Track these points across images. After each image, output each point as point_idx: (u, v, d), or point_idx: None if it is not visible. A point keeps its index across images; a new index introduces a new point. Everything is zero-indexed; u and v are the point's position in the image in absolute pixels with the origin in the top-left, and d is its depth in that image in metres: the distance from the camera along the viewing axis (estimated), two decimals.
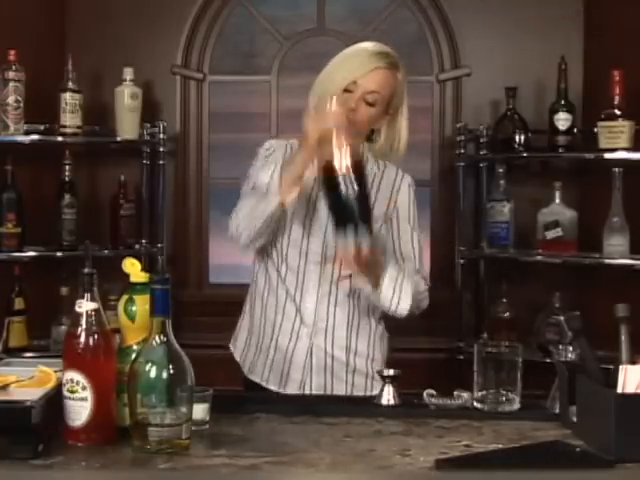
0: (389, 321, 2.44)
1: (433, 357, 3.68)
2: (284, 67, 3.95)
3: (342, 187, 2.07)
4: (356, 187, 2.08)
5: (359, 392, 2.34)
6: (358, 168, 2.10)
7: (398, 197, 2.39)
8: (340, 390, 2.35)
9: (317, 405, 2.07)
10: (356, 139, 2.29)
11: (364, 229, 2.08)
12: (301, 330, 2.35)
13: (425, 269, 2.44)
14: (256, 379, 2.40)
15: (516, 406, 2.01)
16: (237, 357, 2.47)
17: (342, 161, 2.07)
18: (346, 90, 2.28)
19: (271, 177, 2.20)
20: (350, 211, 2.07)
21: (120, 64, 3.67)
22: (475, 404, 2.03)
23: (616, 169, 3.39)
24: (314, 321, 2.35)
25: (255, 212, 2.22)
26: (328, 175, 2.10)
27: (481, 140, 3.69)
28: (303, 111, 2.30)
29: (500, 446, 1.80)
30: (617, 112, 3.38)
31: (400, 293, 2.26)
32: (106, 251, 3.62)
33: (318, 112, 2.18)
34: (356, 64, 2.30)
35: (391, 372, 2.11)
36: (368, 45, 2.36)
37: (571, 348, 2.01)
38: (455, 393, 2.05)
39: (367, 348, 2.39)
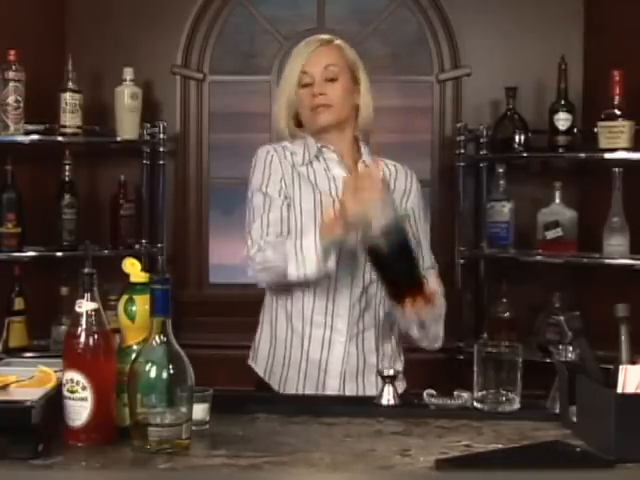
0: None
1: (433, 357, 3.66)
2: (284, 67, 3.94)
3: (392, 259, 2.11)
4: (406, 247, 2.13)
5: None
6: (401, 226, 2.13)
7: (410, 199, 2.40)
8: (371, 393, 2.29)
9: (317, 405, 2.07)
10: (346, 125, 2.36)
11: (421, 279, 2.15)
12: (333, 338, 2.31)
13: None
14: (291, 393, 2.33)
15: (516, 406, 2.01)
16: (260, 372, 2.39)
17: (386, 234, 2.09)
18: (304, 85, 2.32)
19: (302, 248, 2.17)
20: (408, 278, 2.13)
21: (120, 64, 3.67)
22: (475, 404, 2.03)
23: (616, 169, 3.39)
24: (347, 328, 2.32)
25: (290, 270, 2.20)
26: (375, 252, 2.12)
27: (481, 140, 3.69)
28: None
29: (500, 446, 1.80)
30: (617, 112, 3.38)
31: (439, 330, 2.31)
32: (106, 251, 3.62)
33: (356, 190, 2.12)
34: (297, 56, 2.37)
35: (391, 372, 2.11)
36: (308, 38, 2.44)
37: (571, 348, 2.01)
38: (455, 393, 2.05)
39: (392, 348, 2.39)
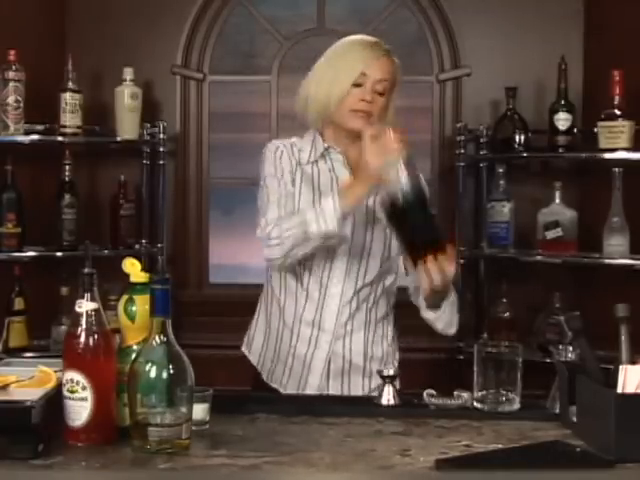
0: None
1: (433, 357, 3.68)
2: (284, 67, 3.95)
3: (412, 216, 2.10)
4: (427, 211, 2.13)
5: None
6: (421, 190, 2.14)
7: None
8: (356, 394, 2.33)
9: (317, 405, 2.07)
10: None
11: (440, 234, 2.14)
12: (320, 337, 2.33)
13: None
14: (275, 385, 2.38)
15: (516, 406, 2.01)
16: (254, 361, 2.44)
17: (407, 189, 2.09)
18: (355, 85, 2.29)
19: (321, 206, 2.18)
20: (429, 235, 2.11)
21: (120, 64, 3.67)
22: (475, 404, 2.03)
23: (616, 169, 3.39)
24: (334, 328, 2.33)
25: (309, 241, 2.19)
26: (395, 208, 2.11)
27: (481, 140, 3.69)
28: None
29: (500, 446, 1.80)
30: (617, 112, 3.38)
31: (454, 316, 2.30)
32: (106, 251, 3.62)
33: (377, 144, 2.15)
34: (360, 56, 2.30)
35: (391, 372, 2.12)
36: (361, 37, 2.38)
37: (571, 348, 2.01)
38: (455, 393, 2.05)
39: (382, 352, 2.39)
